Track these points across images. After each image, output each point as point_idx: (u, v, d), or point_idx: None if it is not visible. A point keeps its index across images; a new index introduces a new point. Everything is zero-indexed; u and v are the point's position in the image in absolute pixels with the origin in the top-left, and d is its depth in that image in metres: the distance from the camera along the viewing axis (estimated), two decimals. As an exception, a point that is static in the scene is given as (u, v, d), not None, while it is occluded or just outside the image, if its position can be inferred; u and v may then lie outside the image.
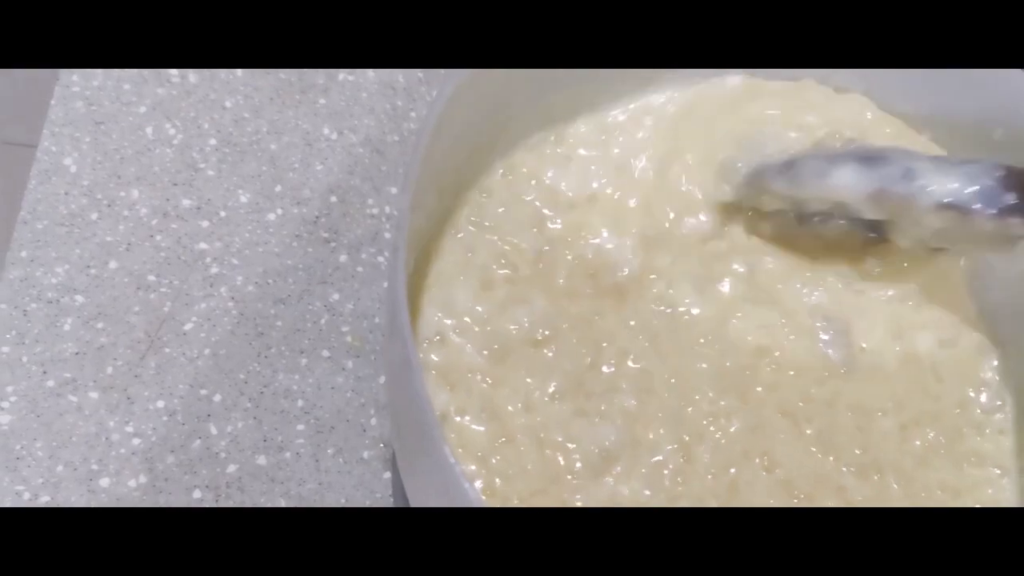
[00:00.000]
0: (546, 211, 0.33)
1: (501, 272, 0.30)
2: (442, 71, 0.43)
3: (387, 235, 0.41)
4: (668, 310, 0.31)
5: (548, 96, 0.33)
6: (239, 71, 0.44)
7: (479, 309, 0.29)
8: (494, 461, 0.27)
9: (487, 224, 0.31)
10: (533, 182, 0.33)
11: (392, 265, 0.23)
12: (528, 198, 0.33)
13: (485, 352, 0.28)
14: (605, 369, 0.29)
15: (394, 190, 0.42)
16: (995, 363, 0.33)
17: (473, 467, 0.26)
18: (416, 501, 0.25)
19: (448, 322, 0.28)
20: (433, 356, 0.28)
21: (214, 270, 0.39)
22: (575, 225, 0.33)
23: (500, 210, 0.32)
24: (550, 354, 0.29)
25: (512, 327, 0.29)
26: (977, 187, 0.27)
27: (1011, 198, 0.27)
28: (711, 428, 0.29)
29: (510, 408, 0.28)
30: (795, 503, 0.28)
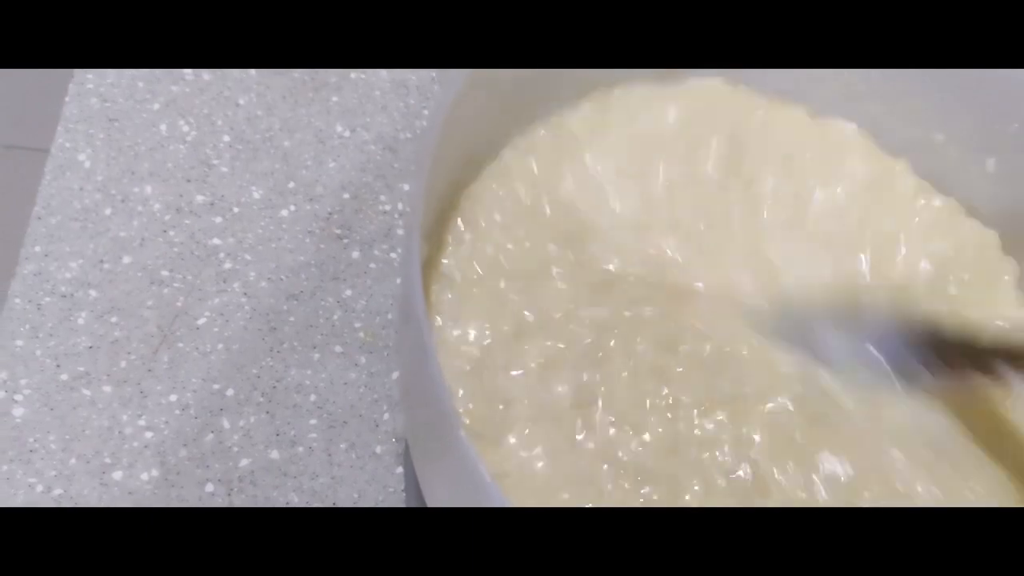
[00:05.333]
0: (551, 208, 0.33)
1: (508, 267, 0.30)
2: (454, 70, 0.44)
3: (399, 232, 0.41)
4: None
5: (561, 88, 0.33)
6: (252, 69, 0.44)
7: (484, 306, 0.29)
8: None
9: (496, 218, 0.31)
10: (542, 179, 0.33)
11: (406, 250, 0.23)
12: (536, 194, 0.33)
13: (488, 342, 0.28)
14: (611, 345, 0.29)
15: (406, 187, 0.42)
16: None
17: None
18: (429, 488, 0.25)
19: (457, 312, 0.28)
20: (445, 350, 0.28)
21: (227, 266, 0.39)
22: (576, 223, 0.33)
23: (508, 205, 0.32)
24: (561, 345, 0.29)
25: (521, 318, 0.29)
26: None
27: None
28: None
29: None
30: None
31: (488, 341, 0.28)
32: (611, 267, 0.31)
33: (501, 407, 0.27)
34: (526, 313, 0.29)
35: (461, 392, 0.27)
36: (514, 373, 0.28)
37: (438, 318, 0.28)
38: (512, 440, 0.27)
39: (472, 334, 0.28)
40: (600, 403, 0.28)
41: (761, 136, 0.35)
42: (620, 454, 0.27)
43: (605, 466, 0.27)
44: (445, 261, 0.30)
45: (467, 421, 0.27)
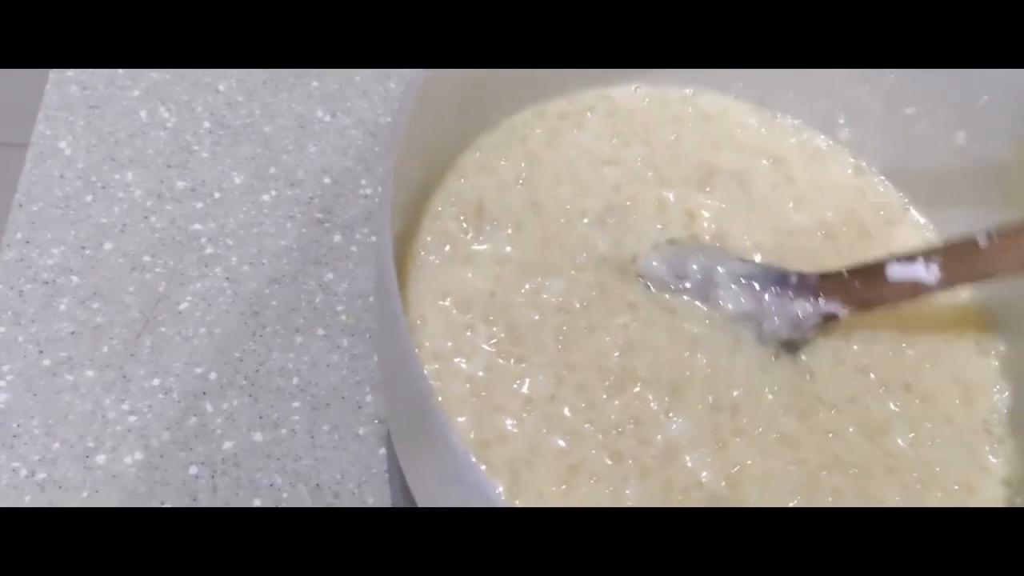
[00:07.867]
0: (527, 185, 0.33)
1: (480, 247, 0.31)
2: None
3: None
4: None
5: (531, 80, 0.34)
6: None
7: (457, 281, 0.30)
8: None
9: (468, 197, 0.32)
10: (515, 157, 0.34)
11: (378, 228, 0.24)
12: (514, 170, 0.33)
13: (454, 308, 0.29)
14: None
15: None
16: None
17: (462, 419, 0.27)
18: (408, 464, 0.26)
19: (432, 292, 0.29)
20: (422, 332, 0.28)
21: (209, 251, 0.39)
22: (551, 198, 0.33)
23: (482, 186, 0.32)
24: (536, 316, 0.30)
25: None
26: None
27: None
28: None
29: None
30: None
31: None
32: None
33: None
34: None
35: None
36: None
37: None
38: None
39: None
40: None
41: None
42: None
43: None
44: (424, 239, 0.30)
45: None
